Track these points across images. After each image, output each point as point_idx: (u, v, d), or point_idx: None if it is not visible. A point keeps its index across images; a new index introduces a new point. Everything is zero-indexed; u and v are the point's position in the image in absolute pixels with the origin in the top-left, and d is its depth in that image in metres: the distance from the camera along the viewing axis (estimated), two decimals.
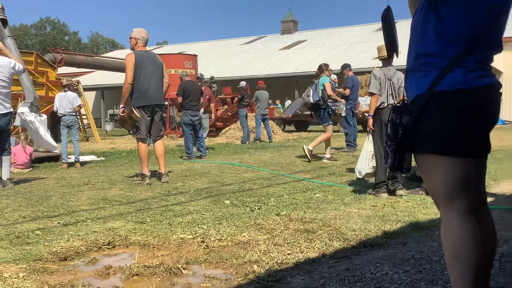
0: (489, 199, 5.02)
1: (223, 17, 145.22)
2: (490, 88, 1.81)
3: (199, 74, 12.43)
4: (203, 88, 11.61)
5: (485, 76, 1.80)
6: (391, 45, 2.19)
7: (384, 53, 5.50)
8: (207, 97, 11.70)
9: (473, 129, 1.79)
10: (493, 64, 1.89)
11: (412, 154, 1.91)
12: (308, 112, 20.27)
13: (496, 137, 12.92)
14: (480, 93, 1.78)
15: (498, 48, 1.85)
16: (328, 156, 9.00)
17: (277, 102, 26.10)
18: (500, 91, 1.87)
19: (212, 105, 12.01)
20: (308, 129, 21.74)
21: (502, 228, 3.63)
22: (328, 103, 8.89)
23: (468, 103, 1.77)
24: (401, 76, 5.43)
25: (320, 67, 9.34)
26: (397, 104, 1.96)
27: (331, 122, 9.13)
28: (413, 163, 1.95)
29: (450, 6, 1.78)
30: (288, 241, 3.57)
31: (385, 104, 5.44)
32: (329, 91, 8.82)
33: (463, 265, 1.78)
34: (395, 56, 5.55)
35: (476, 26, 1.76)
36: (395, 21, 2.20)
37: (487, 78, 1.80)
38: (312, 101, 8.87)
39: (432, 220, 4.13)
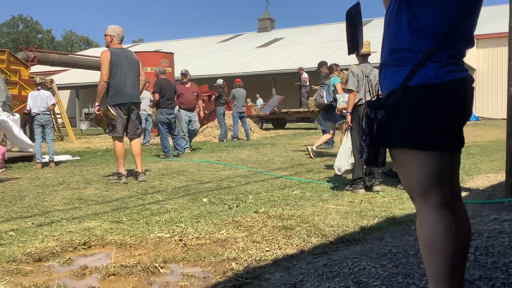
0: (463, 194, 5.11)
1: (199, 15, 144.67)
2: (463, 82, 1.83)
3: (183, 71, 11.61)
4: (189, 84, 11.18)
5: (458, 70, 1.82)
6: (353, 42, 2.17)
7: (366, 50, 5.58)
8: (195, 93, 11.22)
9: (446, 123, 1.81)
10: (466, 61, 1.91)
11: (387, 148, 1.93)
12: (285, 110, 20.44)
13: (470, 133, 13.18)
14: (452, 87, 1.80)
15: (471, 43, 1.87)
16: (314, 148, 9.07)
17: (248, 100, 25.73)
18: (473, 85, 1.89)
19: (200, 102, 11.63)
20: (285, 126, 21.79)
21: (476, 222, 3.69)
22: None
23: (441, 97, 1.79)
24: (378, 73, 5.47)
25: (330, 67, 9.60)
26: (372, 99, 1.97)
27: (344, 120, 9.28)
28: (389, 159, 1.96)
29: (422, 1, 1.80)
30: (267, 238, 3.57)
31: (363, 101, 5.48)
32: (339, 90, 8.94)
33: (439, 258, 1.80)
34: (372, 54, 5.59)
35: (448, 20, 1.78)
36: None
37: (459, 73, 1.82)
38: (326, 102, 9.01)
39: (409, 215, 4.18)
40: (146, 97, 12.69)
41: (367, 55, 5.69)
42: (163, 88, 9.79)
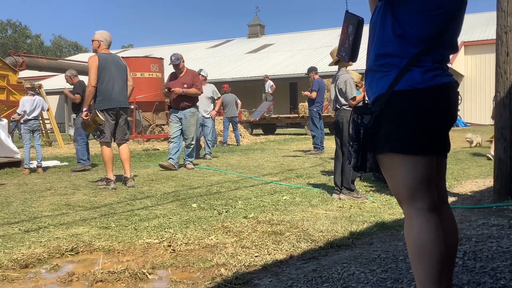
0: (452, 199, 5.14)
1: (189, 21, 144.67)
2: (448, 86, 1.85)
3: (172, 58, 8.33)
4: (183, 73, 8.42)
5: (443, 75, 1.84)
6: (355, 50, 2.14)
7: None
8: (185, 85, 8.32)
9: (432, 128, 1.82)
10: (454, 67, 1.94)
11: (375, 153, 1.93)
12: (275, 116, 20.48)
13: (459, 138, 13.26)
14: (438, 92, 1.81)
15: (454, 49, 1.89)
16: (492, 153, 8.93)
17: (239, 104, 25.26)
18: (458, 90, 1.91)
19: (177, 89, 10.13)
20: (275, 132, 21.81)
21: (464, 227, 3.71)
22: None
23: (426, 102, 1.80)
24: (342, 79, 5.64)
25: None
26: (360, 105, 1.97)
27: None
28: None
29: (406, 7, 1.81)
30: (256, 243, 3.56)
31: (333, 108, 5.73)
32: None
33: (427, 263, 1.80)
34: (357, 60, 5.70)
35: (432, 27, 1.80)
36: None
37: (445, 77, 1.84)
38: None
39: (397, 220, 4.19)
40: (202, 97, 9.29)
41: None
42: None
